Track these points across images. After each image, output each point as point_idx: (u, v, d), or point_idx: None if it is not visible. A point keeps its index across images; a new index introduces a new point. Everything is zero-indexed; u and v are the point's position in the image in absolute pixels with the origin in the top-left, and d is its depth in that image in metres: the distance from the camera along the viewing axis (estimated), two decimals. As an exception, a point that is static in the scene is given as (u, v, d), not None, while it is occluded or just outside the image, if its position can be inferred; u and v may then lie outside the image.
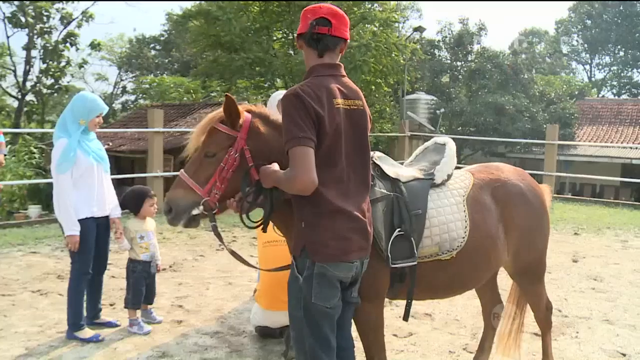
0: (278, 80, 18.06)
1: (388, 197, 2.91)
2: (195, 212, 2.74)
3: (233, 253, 2.96)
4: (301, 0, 15.12)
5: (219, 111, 2.79)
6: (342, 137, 2.53)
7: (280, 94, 4.95)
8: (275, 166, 2.59)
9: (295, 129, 2.41)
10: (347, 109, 2.57)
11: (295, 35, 16.87)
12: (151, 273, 4.86)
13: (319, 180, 2.42)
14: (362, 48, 15.39)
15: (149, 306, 5.00)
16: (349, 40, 2.71)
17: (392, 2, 18.56)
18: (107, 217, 4.69)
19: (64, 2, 27.18)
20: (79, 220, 4.40)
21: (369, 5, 17.19)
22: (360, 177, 2.61)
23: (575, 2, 42.54)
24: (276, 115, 2.87)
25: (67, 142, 4.37)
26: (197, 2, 17.86)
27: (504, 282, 4.20)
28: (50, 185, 18.33)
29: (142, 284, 4.77)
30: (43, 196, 18.27)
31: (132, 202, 4.85)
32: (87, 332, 4.53)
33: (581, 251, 8.28)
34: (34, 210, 15.67)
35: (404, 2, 31.62)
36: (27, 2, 26.61)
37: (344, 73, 2.68)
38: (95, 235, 4.54)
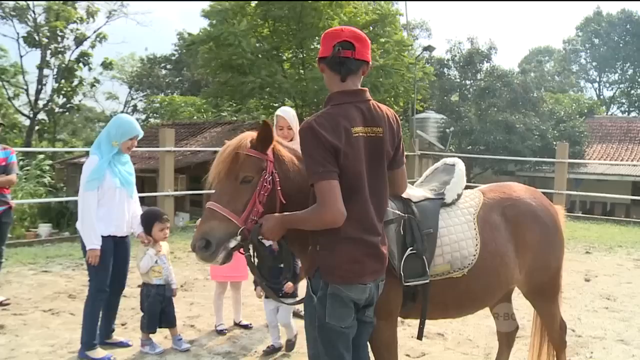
0: (287, 100, 18.15)
1: (401, 218, 2.92)
2: (232, 244, 2.68)
3: (266, 287, 2.92)
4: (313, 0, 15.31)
5: (243, 137, 2.77)
6: (363, 166, 2.53)
7: (283, 110, 4.98)
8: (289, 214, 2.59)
9: (314, 165, 2.43)
10: (366, 137, 2.56)
11: (305, 54, 17.27)
12: (166, 296, 4.75)
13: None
14: (378, 70, 15.58)
15: (179, 332, 4.92)
16: (371, 62, 2.69)
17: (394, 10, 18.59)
18: (125, 238, 4.72)
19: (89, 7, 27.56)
20: None
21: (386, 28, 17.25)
22: (377, 202, 2.61)
23: (582, 21, 42.70)
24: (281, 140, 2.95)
25: (98, 161, 4.45)
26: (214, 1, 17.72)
27: (517, 301, 4.18)
28: (60, 204, 18.33)
29: (157, 308, 4.69)
30: (53, 215, 18.38)
31: (142, 225, 4.77)
32: (100, 352, 4.53)
33: (593, 270, 8.22)
34: (44, 229, 15.74)
35: (413, 22, 31.85)
36: (43, 23, 27.03)
37: (368, 97, 2.66)
38: (112, 254, 4.56)
